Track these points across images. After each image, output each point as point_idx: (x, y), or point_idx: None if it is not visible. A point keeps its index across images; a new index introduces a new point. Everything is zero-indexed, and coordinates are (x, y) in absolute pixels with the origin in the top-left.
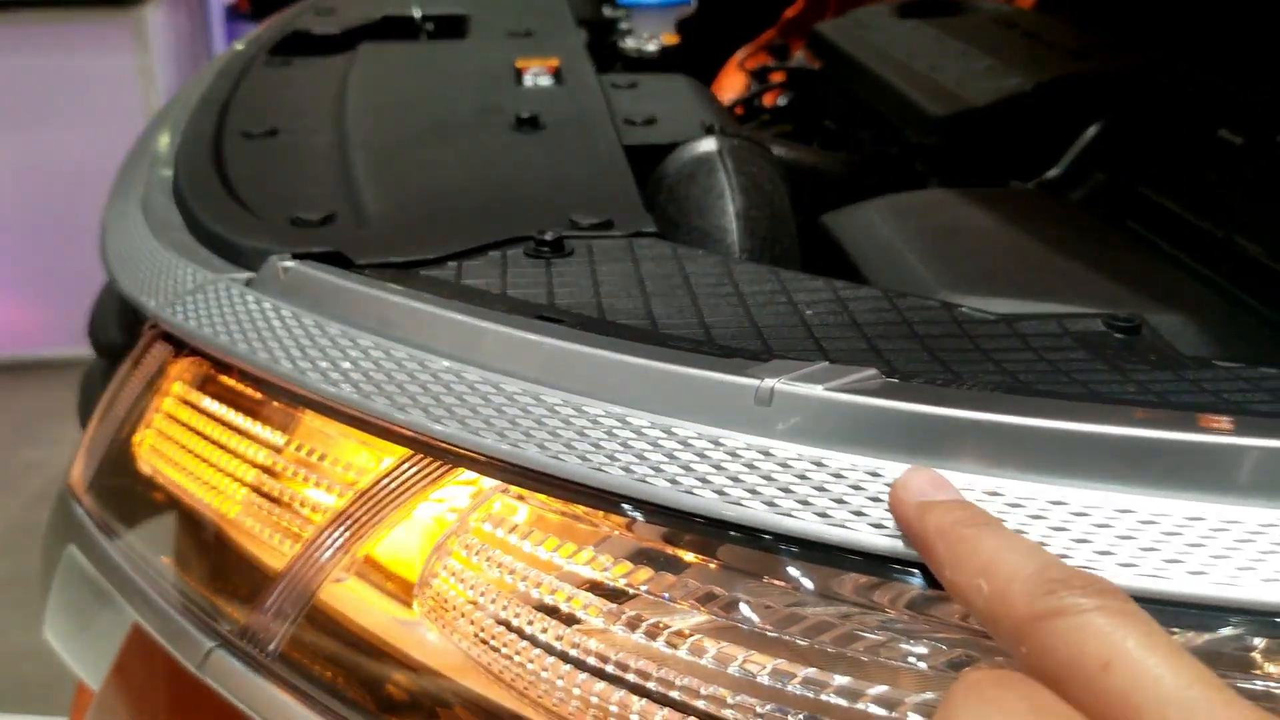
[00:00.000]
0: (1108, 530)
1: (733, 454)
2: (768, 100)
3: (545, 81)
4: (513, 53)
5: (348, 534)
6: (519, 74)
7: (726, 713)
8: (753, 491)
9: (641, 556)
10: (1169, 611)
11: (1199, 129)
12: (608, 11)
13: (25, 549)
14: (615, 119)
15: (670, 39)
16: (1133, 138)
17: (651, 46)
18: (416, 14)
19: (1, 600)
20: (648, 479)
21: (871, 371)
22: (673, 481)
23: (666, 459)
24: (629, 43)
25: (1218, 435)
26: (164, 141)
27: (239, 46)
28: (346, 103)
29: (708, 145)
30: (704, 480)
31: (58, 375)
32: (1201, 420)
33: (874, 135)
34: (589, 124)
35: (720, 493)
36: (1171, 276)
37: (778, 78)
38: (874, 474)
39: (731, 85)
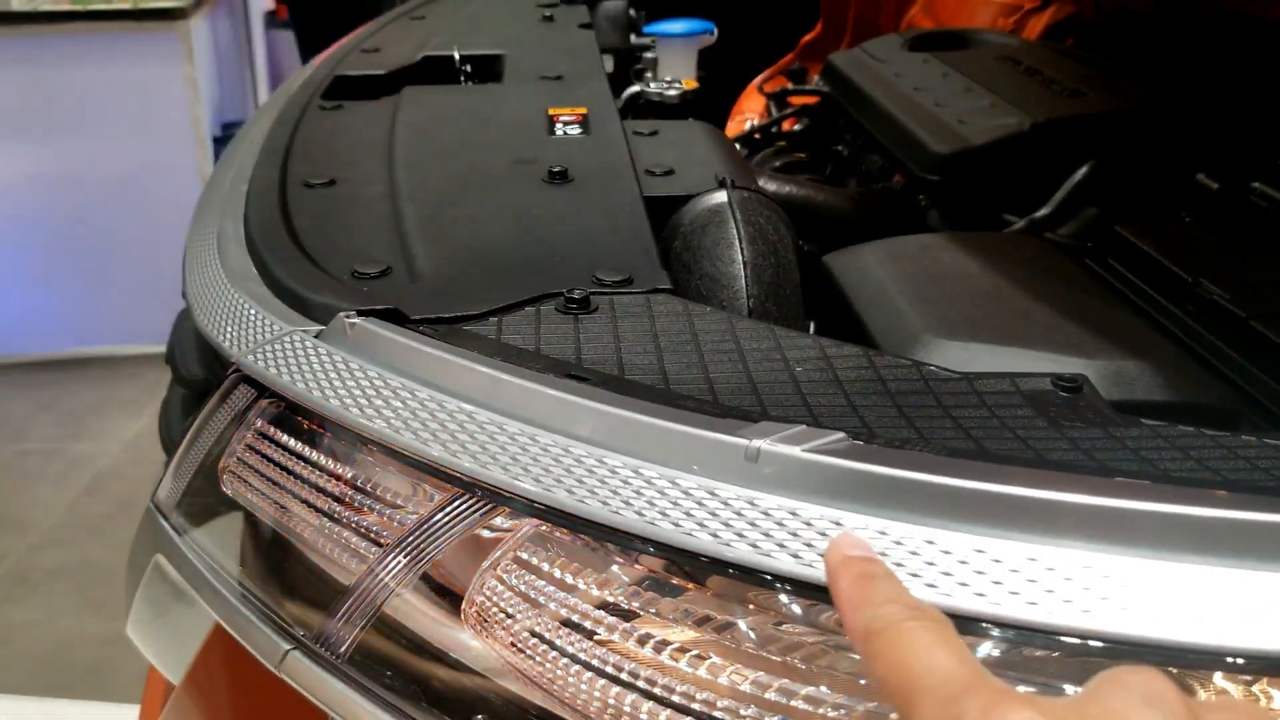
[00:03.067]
0: (1017, 575)
1: (725, 503)
2: (786, 125)
3: (574, 131)
4: (545, 99)
5: (407, 558)
6: (551, 122)
7: (718, 714)
8: (740, 535)
9: (649, 584)
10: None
11: (1179, 172)
12: (635, 39)
13: (76, 540)
14: (637, 169)
15: (690, 84)
16: (1119, 178)
17: (672, 92)
18: (455, 55)
19: (55, 589)
20: (656, 522)
21: (840, 435)
22: (676, 525)
23: (671, 505)
24: (651, 87)
25: (1106, 498)
26: (232, 188)
27: (296, 83)
28: (395, 151)
29: (719, 198)
30: (701, 524)
31: (105, 371)
32: (1096, 484)
33: (880, 166)
34: (614, 176)
35: (714, 535)
36: (1137, 323)
37: (796, 101)
38: (836, 523)
39: (751, 107)
